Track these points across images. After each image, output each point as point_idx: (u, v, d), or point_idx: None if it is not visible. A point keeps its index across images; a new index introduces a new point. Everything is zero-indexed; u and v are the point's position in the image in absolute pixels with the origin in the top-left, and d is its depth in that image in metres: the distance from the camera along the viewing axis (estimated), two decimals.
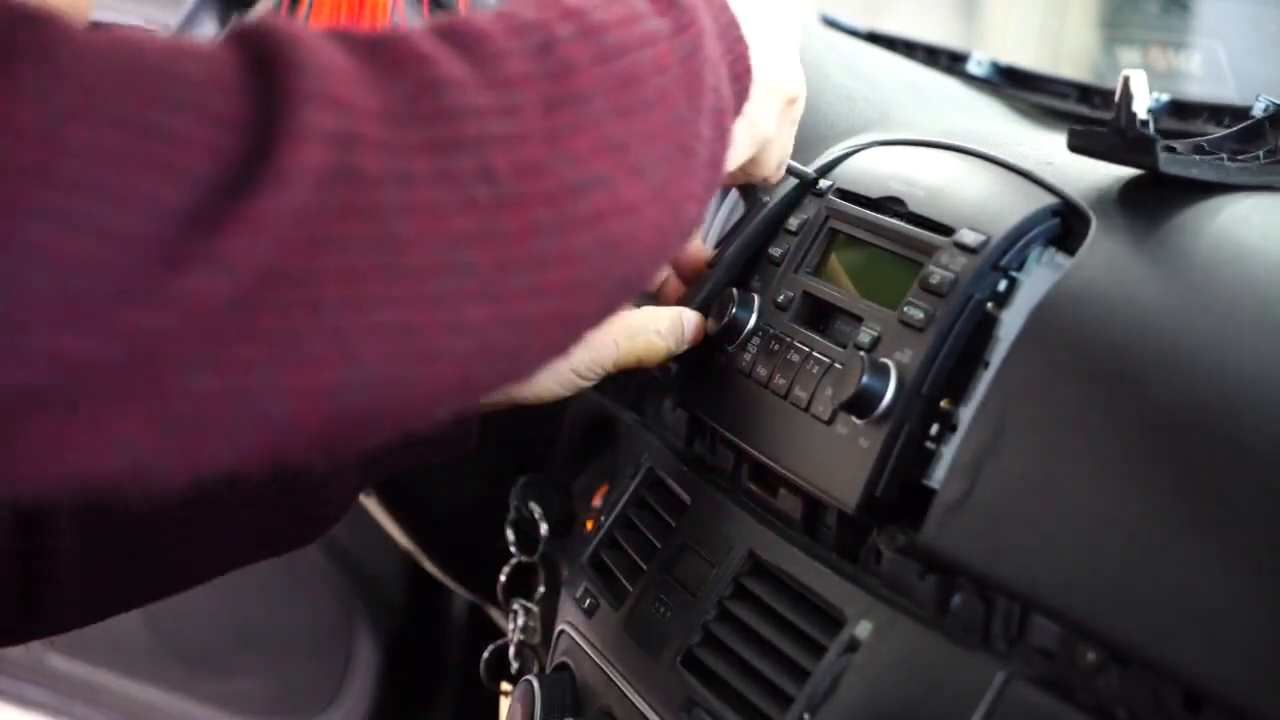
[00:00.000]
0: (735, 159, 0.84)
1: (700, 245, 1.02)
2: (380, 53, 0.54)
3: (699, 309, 0.96)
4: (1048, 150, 0.87)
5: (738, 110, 0.73)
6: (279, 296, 0.49)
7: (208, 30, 1.55)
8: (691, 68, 0.67)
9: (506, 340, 0.56)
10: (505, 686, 1.18)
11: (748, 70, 0.74)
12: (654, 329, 0.93)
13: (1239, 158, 0.80)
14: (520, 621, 1.14)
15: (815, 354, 0.85)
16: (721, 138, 0.69)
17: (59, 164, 0.46)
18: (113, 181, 0.46)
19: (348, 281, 0.50)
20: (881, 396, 0.78)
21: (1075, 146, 0.80)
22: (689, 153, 0.65)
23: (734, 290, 0.93)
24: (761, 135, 0.84)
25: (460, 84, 0.55)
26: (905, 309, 0.80)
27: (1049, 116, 1.22)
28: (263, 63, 0.50)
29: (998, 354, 0.75)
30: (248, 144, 0.48)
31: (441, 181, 0.53)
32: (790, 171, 0.96)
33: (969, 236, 0.80)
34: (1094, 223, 0.77)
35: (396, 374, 0.53)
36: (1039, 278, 0.77)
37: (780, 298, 0.91)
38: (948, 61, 1.34)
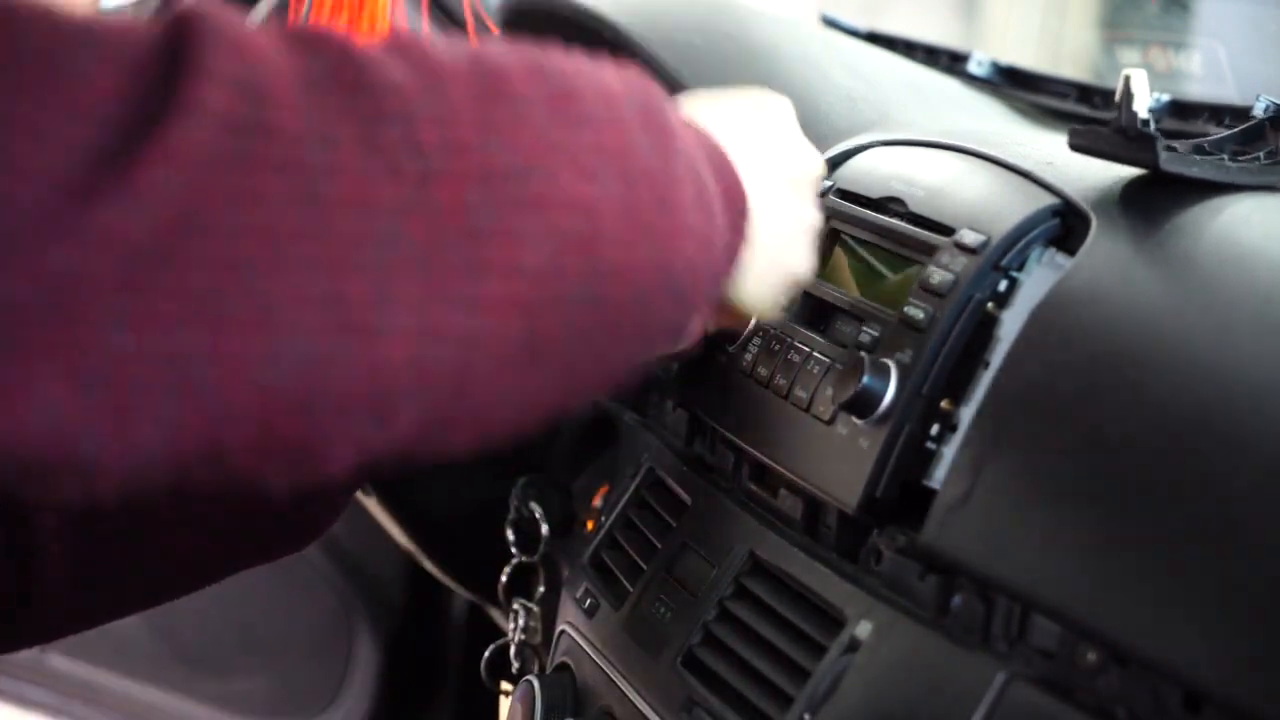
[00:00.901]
0: (759, 291, 0.76)
1: None
2: (298, 32, 0.54)
3: None
4: (1048, 150, 0.87)
5: (732, 209, 0.69)
6: (199, 249, 0.48)
7: None
8: (651, 112, 0.65)
9: (454, 320, 0.54)
10: (505, 686, 1.18)
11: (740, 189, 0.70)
12: None
13: (1240, 158, 0.80)
14: (520, 621, 1.14)
15: (816, 354, 0.85)
16: (705, 209, 0.66)
17: None
18: (22, 115, 0.46)
19: (271, 241, 0.49)
20: (882, 397, 0.78)
21: (1076, 145, 0.80)
22: (661, 190, 0.62)
23: None
24: (792, 270, 0.78)
25: (384, 64, 0.54)
26: (906, 309, 0.80)
27: (1049, 116, 1.22)
28: (178, 24, 0.51)
29: (998, 354, 0.75)
30: (154, 83, 0.49)
31: (367, 149, 0.52)
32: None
33: (969, 237, 0.80)
34: (1094, 223, 0.77)
35: (331, 349, 0.51)
36: (1039, 278, 0.77)
37: None
38: (948, 61, 1.34)
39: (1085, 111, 1.19)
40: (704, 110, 0.74)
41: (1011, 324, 0.76)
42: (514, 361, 0.57)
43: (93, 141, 0.47)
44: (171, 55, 0.50)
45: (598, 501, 1.12)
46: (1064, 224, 0.80)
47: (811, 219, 0.78)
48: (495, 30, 1.24)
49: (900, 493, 0.77)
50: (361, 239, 0.51)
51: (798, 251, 0.78)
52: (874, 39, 1.41)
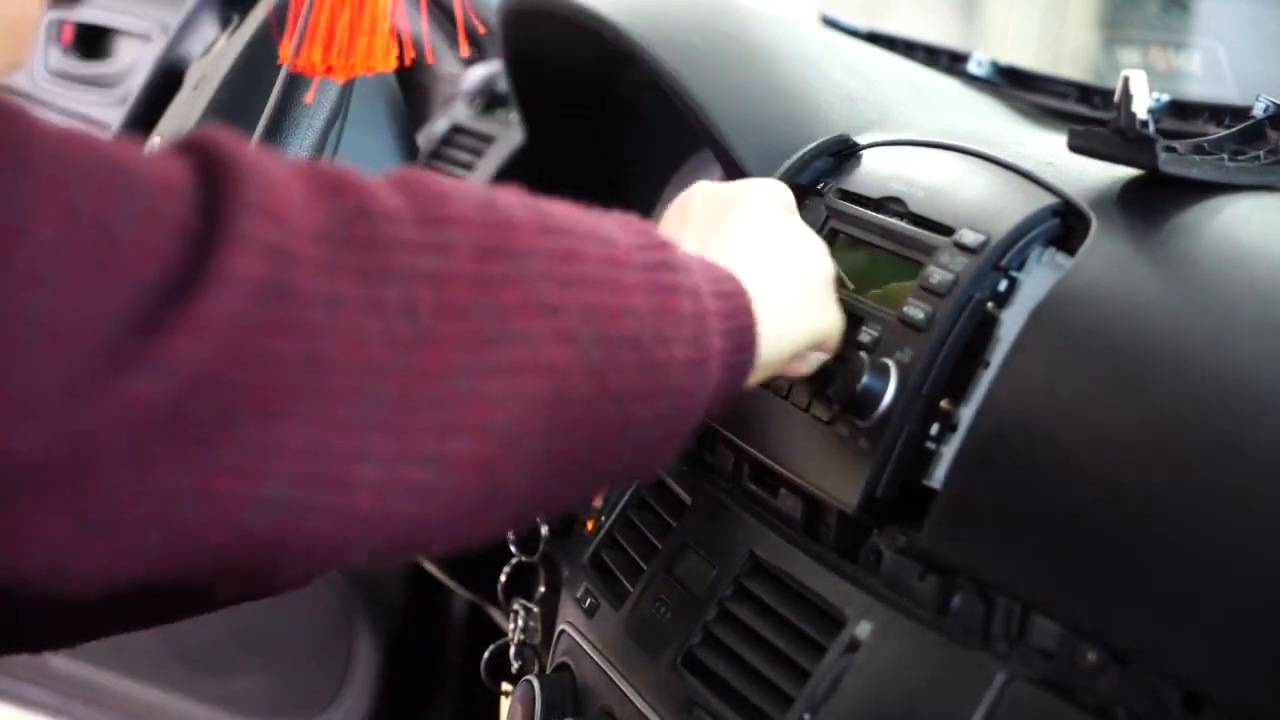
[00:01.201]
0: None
1: None
2: (322, 176, 0.55)
3: None
4: (1048, 150, 0.87)
5: (737, 355, 0.71)
6: (202, 402, 0.49)
7: (208, 31, 1.55)
8: (659, 273, 0.66)
9: (419, 476, 0.56)
10: (505, 686, 1.18)
11: (751, 339, 0.72)
12: None
13: (1239, 158, 0.80)
14: (520, 621, 1.14)
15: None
16: (699, 369, 0.67)
17: (17, 257, 0.46)
18: (69, 280, 0.47)
19: (267, 395, 0.51)
20: (882, 397, 0.78)
21: (1075, 146, 0.81)
22: (648, 354, 0.64)
23: None
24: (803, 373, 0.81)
25: (395, 216, 0.56)
26: (906, 309, 0.80)
27: (1049, 116, 1.22)
28: (210, 172, 0.52)
29: (998, 354, 0.75)
30: (190, 250, 0.49)
31: (368, 310, 0.53)
32: None
33: (969, 236, 0.80)
34: (1094, 223, 0.77)
35: (305, 497, 0.53)
36: (1039, 278, 0.78)
37: None
38: (948, 61, 1.34)
39: (1085, 111, 1.19)
40: (721, 239, 0.76)
41: (1011, 324, 0.76)
42: (468, 509, 0.60)
43: (129, 308, 0.48)
44: (209, 216, 0.50)
45: (598, 502, 1.11)
46: (1064, 224, 0.80)
47: (831, 324, 0.80)
48: (483, 30, 1.24)
49: (900, 493, 0.77)
50: (347, 396, 0.53)
51: (809, 359, 0.81)
52: (874, 39, 1.41)
